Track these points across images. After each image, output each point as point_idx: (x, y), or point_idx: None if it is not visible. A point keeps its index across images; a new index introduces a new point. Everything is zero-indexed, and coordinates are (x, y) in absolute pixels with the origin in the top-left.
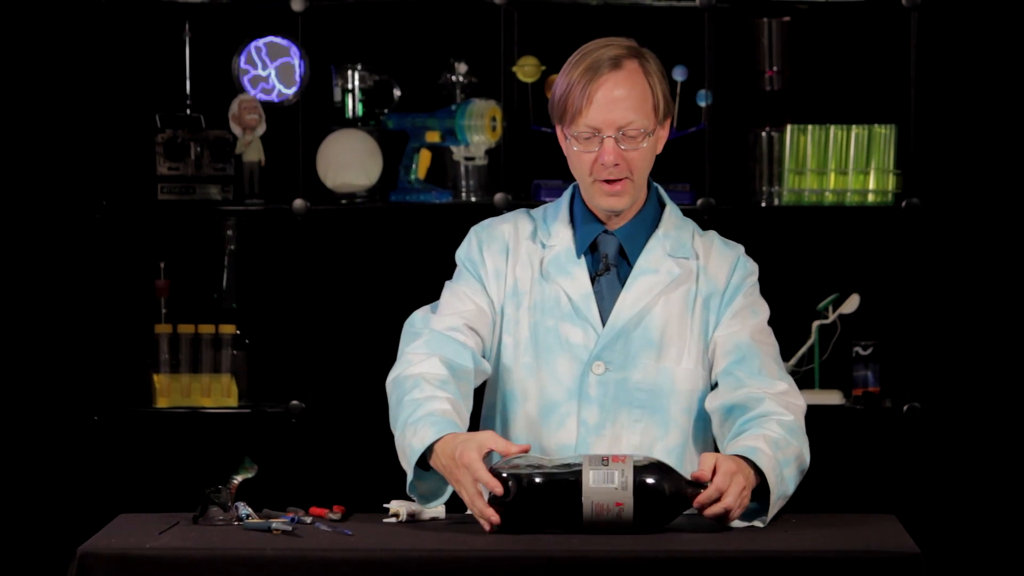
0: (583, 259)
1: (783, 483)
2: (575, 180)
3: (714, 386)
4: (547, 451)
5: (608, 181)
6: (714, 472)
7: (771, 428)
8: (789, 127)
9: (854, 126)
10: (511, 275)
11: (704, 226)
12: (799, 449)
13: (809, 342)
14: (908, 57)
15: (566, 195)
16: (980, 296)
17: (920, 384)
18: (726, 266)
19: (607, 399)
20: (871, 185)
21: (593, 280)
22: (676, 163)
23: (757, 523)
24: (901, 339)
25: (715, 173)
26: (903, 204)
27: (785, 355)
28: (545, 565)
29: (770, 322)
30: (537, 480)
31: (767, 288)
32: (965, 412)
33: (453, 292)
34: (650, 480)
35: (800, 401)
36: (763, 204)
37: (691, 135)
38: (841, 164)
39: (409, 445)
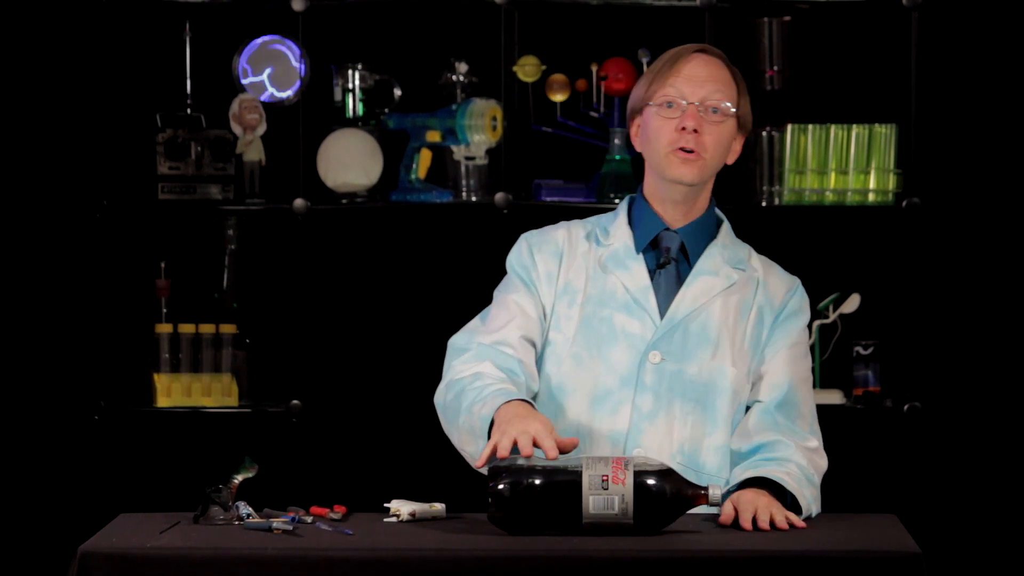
0: (642, 256)
1: (803, 496)
2: (575, 182)
3: (746, 408)
4: (597, 439)
5: (684, 150)
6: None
7: (791, 468)
8: (790, 127)
9: (855, 126)
10: (563, 277)
11: None
12: (815, 493)
13: (810, 342)
14: (909, 57)
15: (623, 203)
16: (980, 296)
17: (920, 384)
18: (784, 287)
19: (662, 388)
20: (872, 185)
21: (652, 273)
22: None
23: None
24: (901, 339)
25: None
26: (904, 204)
27: None
28: (545, 565)
29: None
30: (536, 482)
31: None
32: (965, 412)
33: (501, 303)
34: (651, 482)
35: (824, 462)
36: (763, 204)
37: None
38: (842, 164)
39: (479, 416)
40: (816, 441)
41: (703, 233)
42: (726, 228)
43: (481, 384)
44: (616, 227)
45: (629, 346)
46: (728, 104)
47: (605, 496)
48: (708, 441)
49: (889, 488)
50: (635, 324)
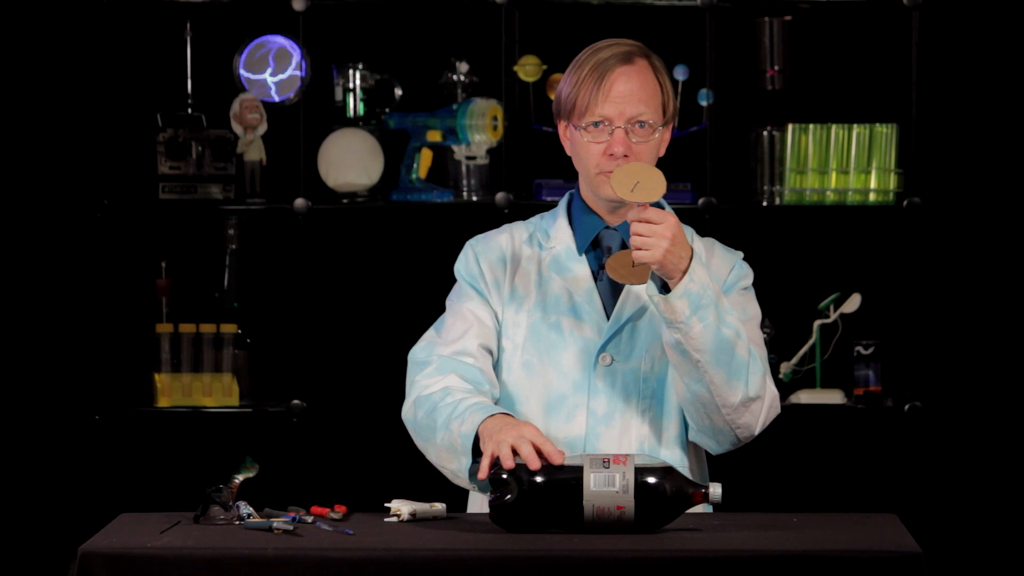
0: (584, 256)
1: (717, 309)
2: (575, 181)
3: None
4: (556, 445)
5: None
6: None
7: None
8: (790, 126)
9: (855, 125)
10: (508, 283)
11: (706, 225)
12: (746, 345)
13: (810, 341)
14: (909, 56)
15: (562, 202)
16: (981, 296)
17: (921, 383)
18: (727, 264)
19: (615, 390)
20: (872, 184)
21: (595, 274)
22: (677, 163)
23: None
24: (902, 338)
25: (716, 172)
26: (904, 203)
27: (786, 354)
28: (545, 565)
29: (772, 321)
30: (538, 480)
31: (768, 287)
32: (966, 412)
33: (456, 312)
34: (651, 480)
35: (772, 387)
36: (764, 203)
37: (692, 134)
38: (842, 163)
39: (460, 433)
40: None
41: None
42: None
43: (453, 400)
44: (557, 228)
45: (579, 350)
46: (655, 119)
47: (606, 494)
48: (667, 435)
49: (889, 488)
50: (583, 327)
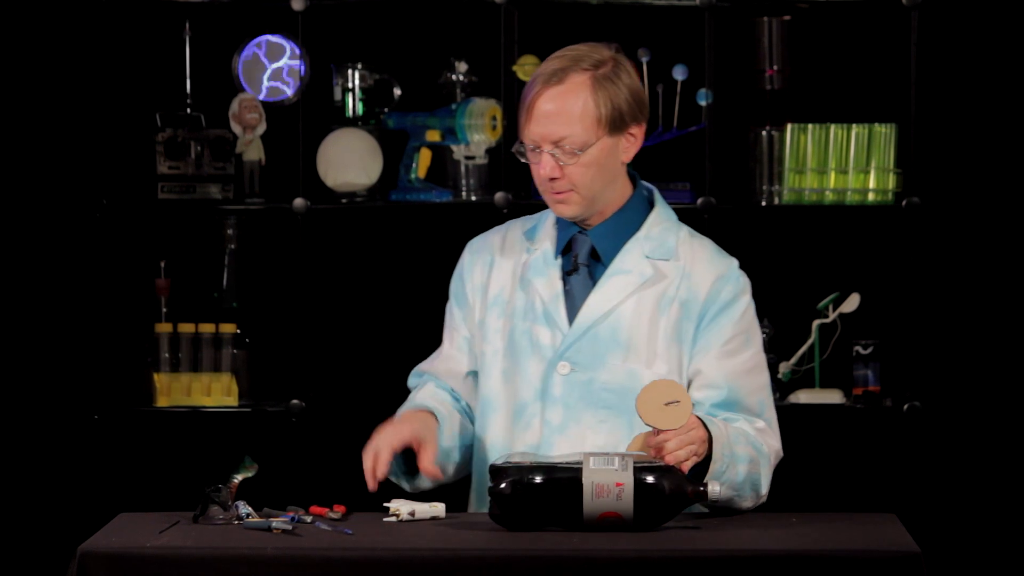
0: (559, 261)
1: (732, 463)
2: None
3: None
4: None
5: (555, 192)
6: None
7: (738, 427)
8: (789, 126)
9: (854, 125)
10: (494, 285)
11: (704, 225)
12: (758, 461)
13: (809, 341)
14: (908, 56)
15: None
16: (980, 296)
17: (920, 383)
18: (712, 275)
19: (572, 399)
20: (871, 184)
21: (564, 280)
22: (676, 162)
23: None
24: (901, 338)
25: (715, 172)
26: (903, 203)
27: (785, 354)
28: (545, 565)
29: (771, 321)
30: (537, 479)
31: (767, 287)
32: (965, 412)
33: (448, 325)
34: (650, 479)
35: (775, 443)
36: (763, 203)
37: (691, 134)
38: (841, 163)
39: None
40: (764, 423)
41: (619, 230)
42: (656, 213)
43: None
44: (544, 230)
45: (541, 358)
46: (581, 139)
47: (605, 498)
48: (625, 447)
49: (889, 488)
50: (546, 334)
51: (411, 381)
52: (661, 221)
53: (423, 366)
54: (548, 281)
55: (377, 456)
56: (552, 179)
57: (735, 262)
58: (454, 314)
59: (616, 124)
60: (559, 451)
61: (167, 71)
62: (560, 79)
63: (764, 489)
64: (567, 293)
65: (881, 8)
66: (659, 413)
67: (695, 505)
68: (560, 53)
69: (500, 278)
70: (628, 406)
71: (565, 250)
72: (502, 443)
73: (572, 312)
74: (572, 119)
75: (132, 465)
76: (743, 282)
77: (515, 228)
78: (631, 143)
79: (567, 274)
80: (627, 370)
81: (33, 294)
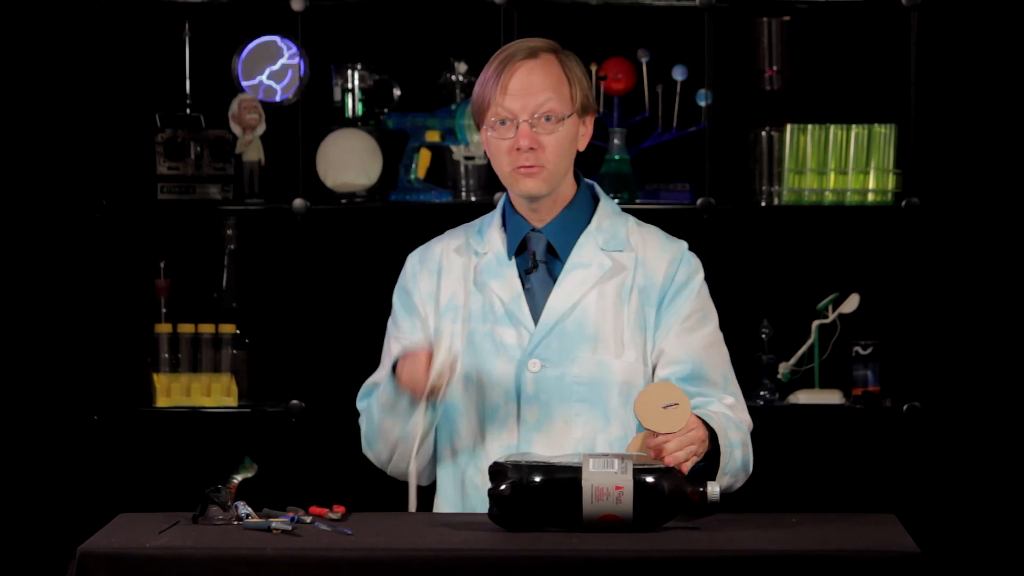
0: (513, 261)
1: (732, 452)
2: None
3: None
4: (492, 456)
5: (524, 166)
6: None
7: (720, 411)
8: (789, 127)
9: (854, 126)
10: (445, 291)
11: (704, 225)
12: (747, 442)
13: (809, 342)
14: (908, 56)
15: (500, 203)
16: (980, 296)
17: (920, 384)
18: (666, 259)
19: (545, 396)
20: (871, 185)
21: (523, 279)
22: (676, 163)
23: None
24: (901, 339)
25: (715, 173)
26: (903, 203)
27: (785, 355)
28: (545, 565)
29: (771, 321)
30: (537, 480)
31: (767, 287)
32: (965, 412)
33: (392, 336)
34: (649, 479)
35: (746, 416)
36: (763, 204)
37: (691, 135)
38: (841, 164)
39: (385, 391)
40: (732, 399)
41: (571, 225)
42: (603, 206)
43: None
44: (490, 234)
45: (508, 358)
46: (561, 110)
47: (604, 501)
48: (602, 437)
49: (889, 488)
50: (511, 334)
51: (362, 401)
52: (609, 214)
53: (374, 379)
54: (506, 281)
55: (415, 364)
56: (530, 150)
57: (685, 244)
58: (400, 325)
59: (582, 106)
60: (538, 449)
61: (167, 71)
62: (534, 55)
63: (751, 466)
64: (527, 291)
65: (881, 8)
66: (658, 416)
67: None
68: (516, 42)
69: (449, 285)
70: (600, 397)
71: (518, 251)
72: (473, 447)
73: (535, 310)
74: (550, 89)
75: (132, 465)
76: (695, 263)
77: (456, 235)
78: (586, 133)
79: (526, 272)
80: (597, 361)
81: (33, 294)
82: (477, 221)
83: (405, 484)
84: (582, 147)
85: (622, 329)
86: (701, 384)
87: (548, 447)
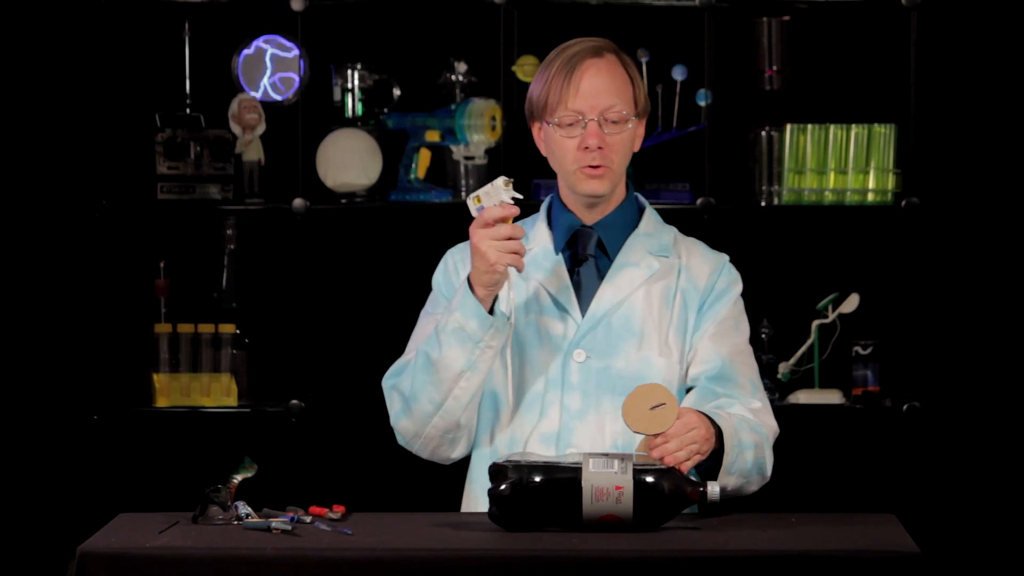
0: (561, 255)
1: (740, 452)
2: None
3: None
4: (531, 443)
5: (590, 166)
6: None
7: (737, 413)
8: (789, 126)
9: (854, 125)
10: None
11: (704, 225)
12: (762, 444)
13: (809, 342)
14: (908, 56)
15: (543, 204)
16: (980, 296)
17: (920, 384)
18: (708, 267)
19: (589, 386)
20: (871, 184)
21: (572, 272)
22: (676, 163)
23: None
24: (901, 338)
25: (715, 172)
26: (903, 203)
27: (785, 355)
28: (545, 565)
29: (771, 321)
30: (537, 480)
31: (766, 287)
32: (965, 412)
33: (425, 323)
34: (649, 479)
35: (771, 421)
36: (763, 203)
37: (691, 135)
38: (841, 163)
39: (453, 310)
40: (759, 403)
41: (621, 225)
42: (649, 215)
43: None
44: (536, 230)
45: (554, 348)
46: (627, 111)
47: (604, 501)
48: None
49: (889, 488)
50: (558, 325)
51: (391, 379)
52: (655, 222)
53: (406, 359)
54: (553, 274)
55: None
56: (597, 149)
57: (727, 257)
58: (442, 307)
59: (642, 108)
60: (579, 437)
61: (167, 71)
62: (599, 54)
63: (769, 470)
64: (575, 284)
65: (881, 8)
66: (645, 418)
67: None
68: (576, 40)
69: None
70: None
71: (564, 247)
72: (512, 432)
73: (583, 302)
74: (618, 90)
75: (132, 465)
76: (735, 275)
77: None
78: (640, 135)
79: (575, 265)
80: (641, 358)
81: (33, 295)
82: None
83: (405, 485)
84: (636, 148)
85: (666, 330)
86: (729, 386)
87: (588, 437)
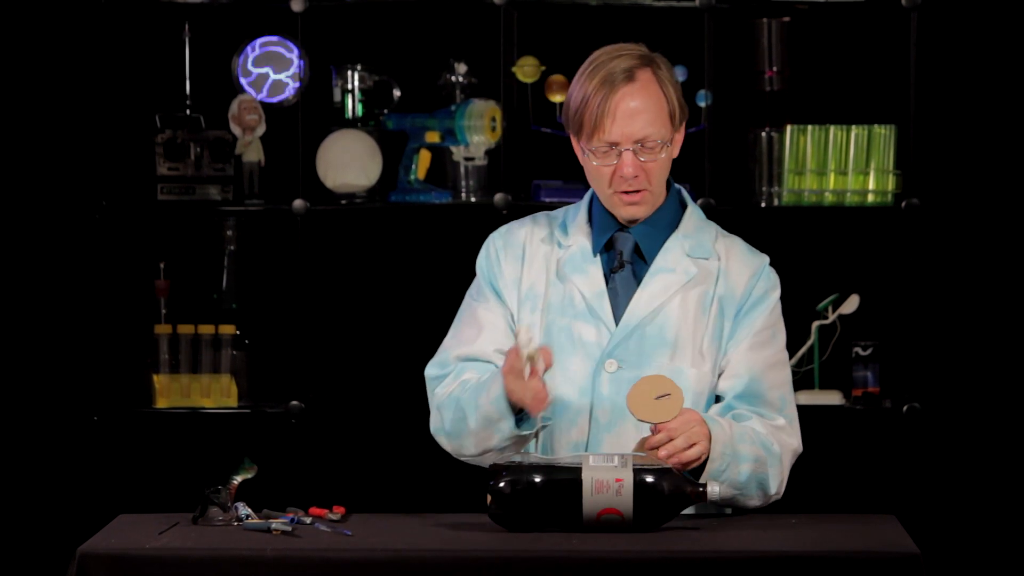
0: (599, 258)
1: (734, 463)
2: (574, 181)
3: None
4: (557, 449)
5: (627, 192)
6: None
7: (749, 425)
8: (789, 127)
9: (854, 126)
10: (526, 279)
11: None
12: (764, 460)
13: (809, 342)
14: (908, 57)
15: (586, 197)
16: (980, 296)
17: (920, 384)
18: (747, 272)
19: (619, 398)
20: (871, 185)
21: (607, 278)
22: (676, 163)
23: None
24: (901, 339)
25: (715, 173)
26: (903, 204)
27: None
28: (545, 565)
29: None
30: (536, 479)
31: None
32: (965, 412)
33: (470, 314)
34: (649, 479)
35: (793, 441)
36: (763, 204)
37: (691, 135)
38: (841, 164)
39: (491, 400)
40: (784, 420)
41: (660, 228)
42: (691, 212)
43: (475, 383)
44: (575, 228)
45: (586, 355)
46: (663, 135)
47: (604, 494)
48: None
49: (888, 488)
50: (591, 331)
51: (434, 368)
52: (695, 221)
53: (457, 351)
54: (589, 278)
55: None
56: (633, 177)
57: (767, 259)
58: (487, 296)
59: (678, 120)
60: (607, 449)
61: (167, 72)
62: (633, 77)
63: (773, 488)
64: (611, 290)
65: (881, 9)
66: (650, 408)
67: (706, 506)
68: (611, 51)
69: (532, 273)
70: None
71: (603, 249)
72: (541, 441)
73: (616, 310)
74: (653, 117)
75: (132, 466)
76: (774, 279)
77: (540, 222)
78: (679, 141)
79: (611, 271)
80: (673, 369)
81: (33, 295)
82: (560, 212)
83: (405, 485)
84: (676, 154)
85: (701, 339)
86: (756, 403)
87: (616, 448)
